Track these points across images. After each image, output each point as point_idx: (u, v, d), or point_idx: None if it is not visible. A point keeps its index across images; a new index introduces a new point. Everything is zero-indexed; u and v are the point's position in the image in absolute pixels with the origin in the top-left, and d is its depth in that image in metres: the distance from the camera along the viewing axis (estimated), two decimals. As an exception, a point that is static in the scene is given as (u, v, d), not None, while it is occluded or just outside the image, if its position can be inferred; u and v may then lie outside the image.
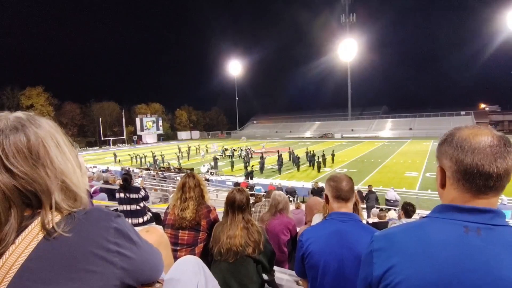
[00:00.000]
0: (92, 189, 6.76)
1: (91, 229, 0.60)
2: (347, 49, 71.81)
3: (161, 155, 30.46)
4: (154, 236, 1.16)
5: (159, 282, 0.85)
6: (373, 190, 12.46)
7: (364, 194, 12.51)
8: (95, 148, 59.60)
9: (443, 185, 0.78)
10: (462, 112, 58.78)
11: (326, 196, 1.58)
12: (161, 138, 74.29)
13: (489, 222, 0.69)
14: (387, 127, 61.62)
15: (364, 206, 11.56)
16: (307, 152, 25.66)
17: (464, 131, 0.75)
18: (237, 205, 1.95)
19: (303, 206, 7.21)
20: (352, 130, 62.21)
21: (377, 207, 10.90)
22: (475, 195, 0.72)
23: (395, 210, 10.05)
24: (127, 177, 5.07)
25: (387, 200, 12.22)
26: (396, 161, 25.86)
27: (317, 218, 2.31)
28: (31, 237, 0.55)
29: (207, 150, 37.57)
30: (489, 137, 0.71)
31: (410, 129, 56.59)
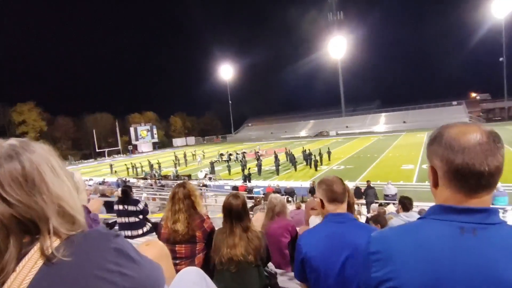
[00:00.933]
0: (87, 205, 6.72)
1: (91, 251, 0.61)
2: (337, 47, 72.27)
3: (157, 163, 30.36)
4: (155, 249, 1.17)
5: (161, 296, 0.87)
6: (372, 185, 12.54)
7: (362, 190, 12.57)
8: (91, 160, 59.15)
9: (436, 184, 0.78)
10: (454, 102, 59.25)
11: (321, 201, 1.59)
12: (157, 146, 73.92)
13: (484, 221, 0.69)
14: (381, 122, 61.95)
15: (364, 201, 11.62)
16: (303, 151, 25.74)
17: (452, 129, 0.74)
18: (234, 213, 1.95)
19: (303, 206, 7.24)
20: (347, 126, 62.45)
21: (376, 202, 10.96)
22: (468, 194, 0.72)
23: (394, 204, 10.12)
24: (126, 189, 5.07)
25: (385, 195, 12.28)
26: (392, 154, 26.04)
27: (313, 220, 2.33)
28: (31, 264, 0.55)
29: (203, 156, 37.50)
30: (478, 134, 0.71)
31: (404, 122, 56.93)
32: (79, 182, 0.74)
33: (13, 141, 0.62)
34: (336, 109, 76.55)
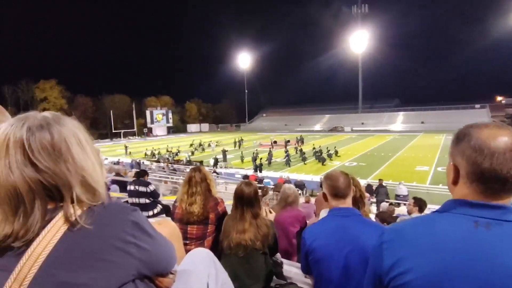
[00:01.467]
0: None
1: (110, 222, 0.65)
2: (359, 41, 70.41)
3: (177, 149, 30.87)
4: (167, 229, 1.20)
5: (172, 273, 0.89)
6: (384, 184, 12.37)
7: (374, 188, 12.43)
8: (107, 140, 60.49)
9: (455, 182, 0.78)
10: (477, 105, 57.22)
11: (324, 195, 1.61)
12: (171, 130, 74.82)
13: (500, 217, 0.69)
14: (399, 121, 60.63)
15: (374, 200, 11.50)
16: (314, 148, 25.61)
17: (483, 131, 0.72)
18: (245, 199, 1.98)
19: (312, 200, 7.24)
20: (362, 123, 61.44)
21: (387, 201, 10.84)
22: (488, 196, 0.72)
23: (405, 205, 9.98)
24: (140, 171, 5.23)
25: (397, 195, 12.12)
26: (407, 155, 25.54)
27: (323, 213, 2.33)
28: (56, 228, 0.59)
29: (216, 144, 37.88)
30: (509, 139, 0.69)
31: (422, 122, 55.51)
32: (101, 159, 0.76)
33: (46, 113, 0.66)
34: (352, 105, 75.27)
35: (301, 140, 34.81)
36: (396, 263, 0.74)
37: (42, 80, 61.48)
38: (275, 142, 34.57)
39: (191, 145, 36.01)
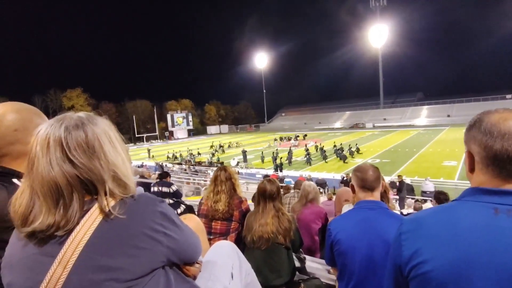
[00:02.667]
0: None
1: (141, 212, 0.70)
2: (378, 35, 68.60)
3: (197, 151, 31.37)
4: (192, 223, 1.25)
5: (198, 263, 0.94)
6: (404, 180, 12.01)
7: (397, 185, 12.10)
8: (130, 144, 62.24)
9: (472, 169, 0.77)
10: (508, 96, 54.12)
11: (352, 186, 1.61)
12: (191, 133, 76.09)
13: None
14: (423, 115, 58.44)
15: (397, 197, 11.20)
16: (335, 146, 25.22)
17: (493, 115, 0.73)
18: (268, 194, 2.02)
19: (334, 197, 7.16)
20: (385, 119, 59.79)
21: (412, 198, 10.52)
22: (505, 180, 0.71)
23: (431, 201, 9.65)
24: (162, 173, 5.40)
25: (423, 191, 11.73)
26: (433, 150, 24.62)
27: (346, 208, 2.32)
28: (93, 218, 0.65)
29: (236, 145, 38.11)
30: None
31: (448, 115, 53.25)
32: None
33: (81, 114, 0.73)
34: (374, 101, 73.41)
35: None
36: (415, 253, 0.73)
37: (68, 89, 64.45)
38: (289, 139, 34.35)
39: (211, 146, 36.46)
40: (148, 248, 0.67)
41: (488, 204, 0.70)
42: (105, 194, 0.67)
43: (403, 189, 11.19)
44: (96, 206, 0.67)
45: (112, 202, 0.68)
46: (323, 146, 25.30)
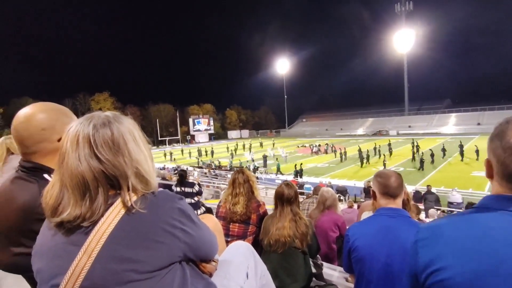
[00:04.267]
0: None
1: (160, 208, 0.73)
2: (403, 40, 66.88)
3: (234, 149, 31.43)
4: (210, 222, 1.27)
5: (215, 261, 0.96)
6: (433, 190, 11.56)
7: (422, 195, 11.67)
8: (153, 147, 63.93)
9: (490, 176, 0.77)
10: (544, 103, 51.07)
11: (374, 192, 1.57)
12: (212, 137, 77.09)
13: None
14: (451, 123, 56.09)
15: (422, 207, 10.79)
16: (359, 150, 24.86)
17: None
18: (285, 198, 2.02)
19: (355, 206, 7.01)
20: (410, 126, 57.93)
21: (438, 209, 10.10)
22: None
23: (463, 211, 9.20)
24: (182, 173, 5.47)
25: (449, 202, 11.22)
26: (461, 159, 23.55)
27: (366, 215, 2.28)
28: (116, 212, 0.69)
29: (250, 149, 38.27)
30: None
31: (479, 124, 50.77)
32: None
33: (108, 113, 0.78)
34: (398, 107, 71.30)
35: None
36: (432, 260, 0.72)
37: (97, 93, 67.31)
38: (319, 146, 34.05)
39: (235, 150, 36.65)
40: (166, 242, 0.70)
41: (507, 211, 0.69)
42: (128, 189, 0.71)
43: (429, 200, 10.78)
44: (119, 200, 0.70)
45: (134, 197, 0.71)
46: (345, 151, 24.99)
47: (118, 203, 0.70)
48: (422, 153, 23.33)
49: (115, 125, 0.74)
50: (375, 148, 26.62)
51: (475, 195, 13.38)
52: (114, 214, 0.69)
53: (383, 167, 20.30)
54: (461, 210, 9.38)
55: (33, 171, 1.02)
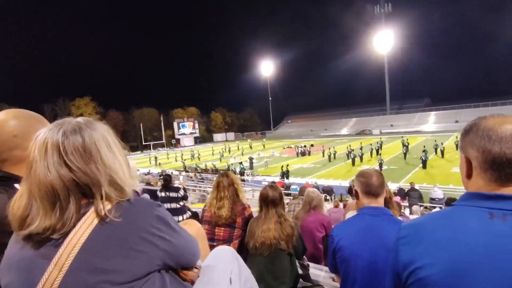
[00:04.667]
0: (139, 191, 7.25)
1: (137, 216, 0.71)
2: (383, 41, 68.52)
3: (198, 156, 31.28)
4: (192, 228, 1.25)
5: (197, 268, 0.94)
6: (416, 187, 11.86)
7: (405, 192, 11.96)
8: (137, 152, 62.82)
9: (469, 175, 0.78)
10: (517, 101, 53.35)
11: (356, 192, 1.58)
12: (198, 140, 76.48)
13: None
14: (430, 121, 57.80)
15: (406, 204, 11.05)
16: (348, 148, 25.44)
17: (489, 120, 0.74)
18: (270, 200, 2.01)
19: (341, 205, 7.09)
20: (391, 125, 59.27)
21: (421, 205, 10.36)
22: (503, 184, 0.71)
23: (440, 208, 9.49)
24: (166, 177, 5.38)
25: (431, 199, 11.55)
26: (441, 156, 24.28)
27: (350, 215, 2.30)
28: (89, 222, 0.66)
29: (242, 153, 38.28)
30: None
31: (457, 121, 52.50)
32: (133, 169, 0.84)
33: (80, 119, 0.75)
34: (380, 107, 72.99)
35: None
36: (413, 259, 0.73)
37: (77, 98, 65.51)
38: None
39: (222, 153, 36.51)
40: (144, 251, 0.68)
41: (484, 209, 0.71)
42: (101, 198, 0.68)
43: (412, 196, 11.06)
44: (92, 209, 0.67)
45: (108, 206, 0.68)
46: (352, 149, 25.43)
47: (91, 213, 0.67)
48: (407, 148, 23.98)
49: (86, 131, 0.71)
50: (361, 148, 27.06)
51: (456, 190, 13.81)
52: (87, 224, 0.66)
53: (378, 166, 20.65)
54: (442, 206, 9.69)
55: (3, 181, 0.98)
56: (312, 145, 35.98)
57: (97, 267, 0.63)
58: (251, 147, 44.31)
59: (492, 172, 0.72)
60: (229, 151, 40.88)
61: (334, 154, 27.11)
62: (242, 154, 35.52)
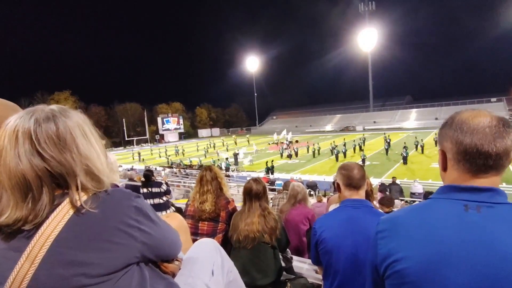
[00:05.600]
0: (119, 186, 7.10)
1: (114, 207, 0.68)
2: (367, 39, 69.57)
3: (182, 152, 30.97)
4: (174, 221, 1.24)
5: (178, 260, 0.92)
6: (397, 182, 12.18)
7: (387, 186, 12.25)
8: (120, 148, 61.52)
9: (444, 168, 0.80)
10: (493, 99, 55.46)
11: (338, 185, 1.60)
12: (182, 136, 75.61)
13: (489, 200, 0.70)
14: (412, 118, 59.36)
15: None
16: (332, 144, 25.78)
17: (464, 114, 0.76)
18: (254, 193, 2.01)
19: (325, 200, 7.19)
20: (374, 122, 60.52)
21: (401, 199, 10.65)
22: (475, 175, 0.73)
23: (420, 202, 9.78)
24: (148, 173, 5.28)
25: (412, 193, 11.91)
26: (421, 152, 25.02)
27: (333, 208, 2.33)
28: (63, 212, 0.64)
29: (227, 148, 38.18)
30: (488, 118, 0.73)
31: (436, 118, 54.12)
32: (113, 164, 0.81)
33: (54, 106, 0.71)
34: (363, 104, 74.44)
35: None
36: (390, 252, 0.74)
37: (56, 91, 63.28)
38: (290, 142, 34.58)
39: (207, 149, 36.23)
40: (121, 243, 0.66)
41: (458, 201, 0.72)
42: (77, 188, 0.66)
43: (393, 191, 11.36)
44: (67, 200, 0.65)
45: (84, 197, 0.66)
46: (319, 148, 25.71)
47: (65, 204, 0.64)
48: (389, 145, 24.63)
49: (61, 119, 0.68)
50: (344, 144, 27.46)
51: (434, 185, 14.27)
52: (61, 215, 0.63)
53: (361, 161, 21.03)
54: (421, 200, 9.99)
55: None
56: (297, 141, 36.37)
57: (72, 260, 0.61)
58: (236, 143, 44.21)
59: (464, 163, 0.74)
60: (214, 147, 40.67)
61: (319, 150, 27.51)
62: (227, 150, 35.37)
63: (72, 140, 0.67)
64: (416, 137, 27.43)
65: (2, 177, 0.63)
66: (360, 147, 27.04)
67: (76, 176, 0.66)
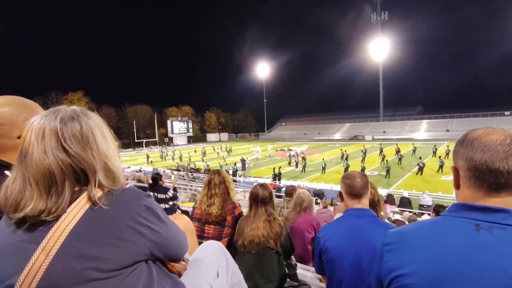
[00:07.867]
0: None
1: (126, 205, 0.72)
2: (379, 48, 69.37)
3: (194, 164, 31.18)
4: (181, 222, 1.26)
5: (184, 261, 0.95)
6: (405, 194, 12.03)
7: (395, 198, 12.09)
8: (129, 149, 62.20)
9: (457, 185, 0.79)
10: (507, 112, 54.29)
11: (341, 194, 1.62)
12: (191, 140, 76.11)
13: (502, 221, 0.68)
14: (422, 129, 58.64)
15: (396, 209, 11.17)
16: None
17: (477, 131, 0.76)
18: (260, 198, 2.03)
19: (331, 207, 7.13)
20: (384, 131, 59.98)
21: (410, 211, 10.49)
22: (487, 193, 0.71)
23: (429, 215, 9.62)
24: (156, 177, 5.30)
25: (420, 205, 11.72)
26: (431, 164, 24.60)
27: (337, 217, 2.33)
28: (79, 207, 0.67)
29: (228, 152, 38.20)
30: (502, 136, 0.72)
31: (448, 130, 53.37)
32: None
33: (75, 107, 0.76)
34: (373, 113, 73.84)
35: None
36: (396, 266, 0.73)
37: (70, 92, 64.46)
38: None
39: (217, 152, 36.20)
40: (131, 240, 0.69)
41: (470, 220, 0.71)
42: (95, 185, 0.70)
43: (402, 203, 11.21)
44: (84, 195, 0.69)
45: (99, 193, 0.70)
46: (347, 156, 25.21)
47: (82, 198, 0.68)
48: (387, 161, 24.36)
49: (83, 119, 0.73)
50: (345, 154, 27.20)
51: (444, 198, 14.00)
52: (77, 209, 0.67)
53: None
54: (430, 213, 9.82)
55: None
56: (304, 158, 35.88)
57: (84, 254, 0.64)
58: (228, 152, 42.69)
59: (475, 180, 0.72)
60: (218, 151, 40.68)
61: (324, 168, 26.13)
62: (218, 155, 35.27)
63: (93, 139, 0.72)
64: (435, 145, 26.91)
65: (28, 172, 0.67)
66: (383, 157, 26.14)
67: (95, 172, 0.70)
